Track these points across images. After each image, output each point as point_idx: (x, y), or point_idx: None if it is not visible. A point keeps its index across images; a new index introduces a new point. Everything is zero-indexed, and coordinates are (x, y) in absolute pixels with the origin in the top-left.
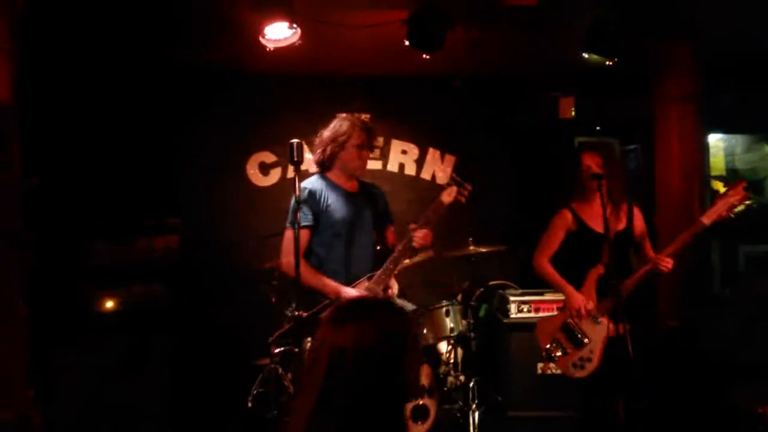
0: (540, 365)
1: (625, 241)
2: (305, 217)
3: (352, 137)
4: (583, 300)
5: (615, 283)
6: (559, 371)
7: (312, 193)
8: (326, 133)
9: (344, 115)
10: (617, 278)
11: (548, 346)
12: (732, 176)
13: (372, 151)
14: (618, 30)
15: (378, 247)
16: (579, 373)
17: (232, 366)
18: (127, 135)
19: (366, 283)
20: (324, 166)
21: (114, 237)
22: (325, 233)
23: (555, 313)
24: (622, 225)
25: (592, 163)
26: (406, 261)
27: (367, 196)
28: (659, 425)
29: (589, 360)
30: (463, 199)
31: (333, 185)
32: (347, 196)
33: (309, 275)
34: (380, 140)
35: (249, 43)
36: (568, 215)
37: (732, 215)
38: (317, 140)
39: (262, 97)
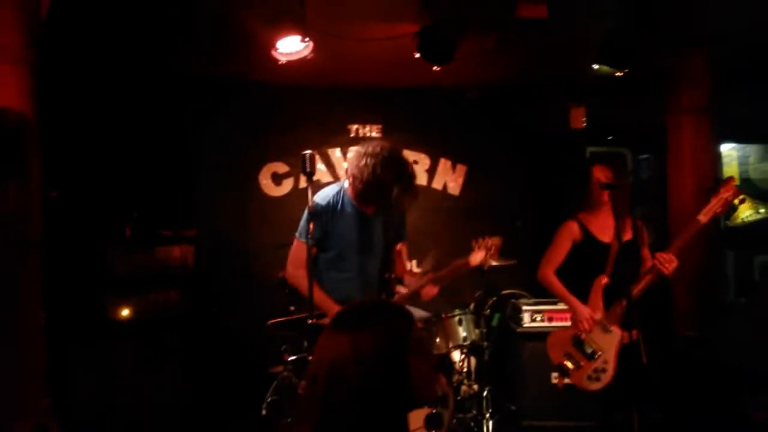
0: (554, 375)
1: (632, 252)
2: (311, 234)
3: (389, 186)
4: (588, 311)
5: (627, 290)
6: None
7: (324, 211)
8: (366, 170)
9: (372, 147)
10: (627, 286)
11: (561, 361)
12: (746, 186)
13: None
14: (629, 41)
15: (387, 274)
16: (595, 386)
17: (246, 374)
18: (144, 146)
19: None
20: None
21: (132, 247)
22: (331, 253)
23: (568, 323)
24: (628, 236)
25: (601, 175)
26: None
27: (381, 218)
28: None
29: (604, 371)
30: (487, 266)
31: (348, 204)
32: (360, 218)
33: (314, 290)
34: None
35: (262, 55)
36: (575, 226)
37: (725, 210)
38: (353, 162)
39: (275, 108)
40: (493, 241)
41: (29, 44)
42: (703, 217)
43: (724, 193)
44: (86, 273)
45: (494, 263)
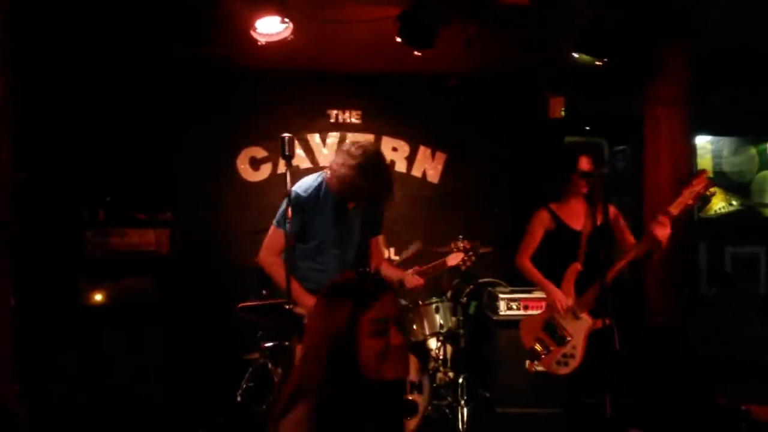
0: (527, 362)
1: (603, 237)
2: (290, 225)
3: (364, 189)
4: (563, 296)
5: (599, 277)
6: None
7: (304, 202)
8: (346, 169)
9: (356, 151)
10: (600, 272)
11: (532, 345)
12: (720, 179)
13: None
14: (610, 31)
15: (360, 270)
16: (563, 370)
17: (222, 360)
18: (119, 128)
19: None
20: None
21: (106, 230)
22: (308, 244)
23: (542, 311)
24: (599, 221)
25: (585, 164)
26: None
27: (361, 210)
28: (645, 422)
29: (572, 356)
30: (464, 267)
31: (328, 196)
32: (340, 211)
33: (285, 279)
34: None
35: (241, 37)
36: (546, 215)
37: (697, 203)
38: (338, 158)
39: (254, 91)
40: (473, 244)
41: (2, 23)
42: (674, 210)
43: (696, 186)
44: (59, 256)
45: (467, 266)
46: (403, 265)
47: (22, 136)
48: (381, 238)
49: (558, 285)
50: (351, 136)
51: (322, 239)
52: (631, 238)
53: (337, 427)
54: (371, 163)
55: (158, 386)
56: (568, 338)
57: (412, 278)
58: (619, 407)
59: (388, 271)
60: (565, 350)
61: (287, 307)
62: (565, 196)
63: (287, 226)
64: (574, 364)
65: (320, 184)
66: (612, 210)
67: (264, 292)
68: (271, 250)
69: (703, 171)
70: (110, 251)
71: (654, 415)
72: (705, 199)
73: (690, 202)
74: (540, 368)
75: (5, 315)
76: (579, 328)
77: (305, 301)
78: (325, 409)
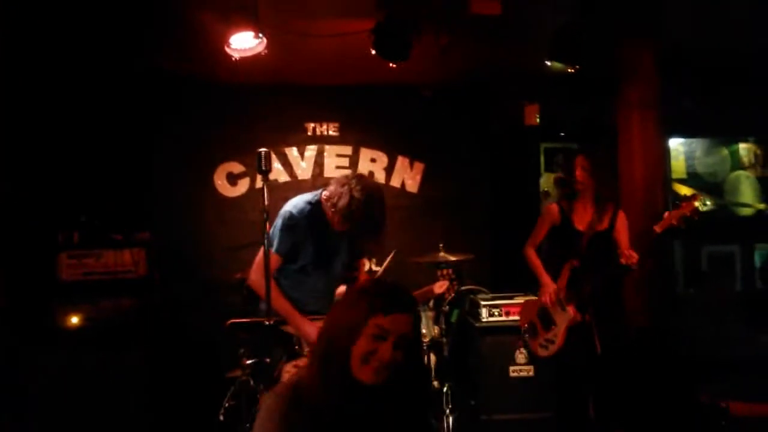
0: (512, 368)
1: (603, 241)
2: (280, 247)
3: (361, 223)
4: (552, 288)
5: (583, 275)
6: (531, 374)
7: (295, 225)
8: (344, 199)
9: (349, 194)
10: (588, 271)
11: (525, 326)
12: (693, 180)
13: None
14: (580, 38)
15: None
16: (544, 353)
17: (203, 378)
18: (94, 145)
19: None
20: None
21: (80, 252)
22: (296, 264)
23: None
24: (604, 226)
25: (579, 167)
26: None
27: (350, 233)
28: (628, 422)
29: (553, 342)
30: (449, 296)
31: (322, 222)
32: (331, 237)
33: (277, 299)
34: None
35: (216, 51)
36: (555, 210)
37: (682, 225)
38: (336, 188)
39: (230, 106)
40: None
41: None
42: (658, 228)
43: (685, 209)
44: (32, 279)
45: (450, 296)
46: (383, 274)
47: None
48: (365, 260)
49: (556, 277)
50: (329, 149)
51: (310, 261)
52: (621, 244)
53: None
54: (371, 199)
55: (139, 408)
56: (553, 326)
57: None
58: (604, 408)
59: None
60: (548, 336)
61: (267, 323)
62: (575, 197)
63: (280, 244)
64: (553, 348)
65: (314, 206)
66: (620, 217)
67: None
68: (262, 271)
69: (694, 196)
70: (86, 273)
71: (637, 415)
72: (689, 221)
73: (674, 222)
74: (528, 373)
75: None
76: (563, 319)
77: (296, 321)
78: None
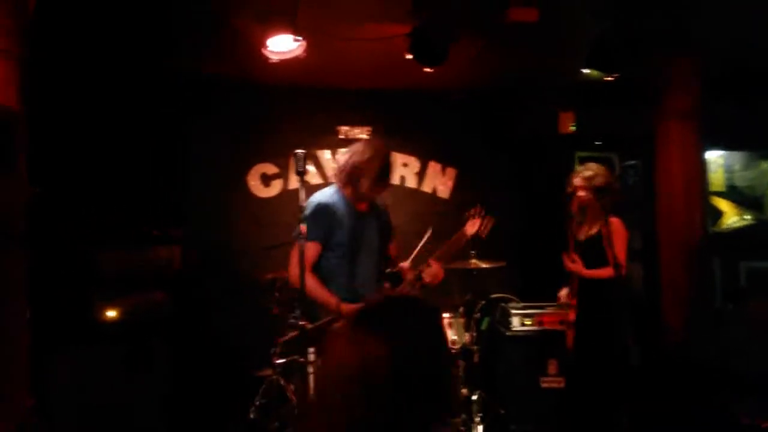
0: (543, 379)
1: (590, 248)
2: (315, 233)
3: (371, 171)
4: (562, 291)
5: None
6: (562, 385)
7: (324, 210)
8: (350, 157)
9: (369, 143)
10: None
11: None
12: (732, 193)
13: (386, 188)
14: (619, 46)
15: (387, 269)
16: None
17: (234, 377)
18: (131, 145)
19: None
20: (342, 183)
21: (119, 247)
22: (333, 251)
23: (557, 327)
24: (592, 232)
25: (578, 188)
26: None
27: (375, 216)
28: None
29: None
30: (484, 235)
31: (345, 203)
32: (357, 216)
33: (314, 288)
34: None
35: (253, 54)
36: (572, 222)
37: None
38: (340, 159)
39: (265, 108)
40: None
41: (17, 37)
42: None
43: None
44: (73, 273)
45: (486, 232)
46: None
47: (37, 153)
48: (394, 244)
49: None
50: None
51: (343, 245)
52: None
53: None
54: (372, 147)
55: (170, 402)
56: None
57: (428, 269)
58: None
59: (407, 274)
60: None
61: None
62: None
63: (301, 236)
64: (568, 343)
65: (334, 193)
66: (613, 225)
67: (292, 318)
68: (298, 264)
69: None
70: (123, 268)
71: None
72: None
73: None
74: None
75: (21, 328)
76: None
77: (338, 307)
78: None
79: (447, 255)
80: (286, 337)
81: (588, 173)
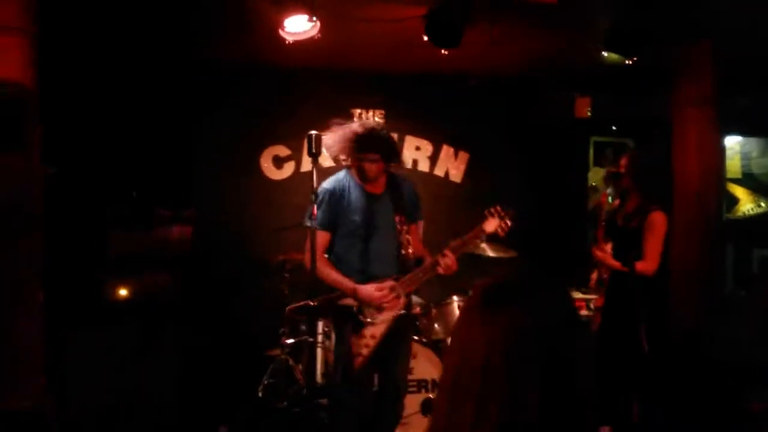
0: None
1: (628, 238)
2: (322, 220)
3: (345, 146)
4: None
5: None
6: None
7: (332, 195)
8: (340, 137)
9: (359, 121)
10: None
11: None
12: (748, 180)
13: (376, 161)
14: (638, 30)
15: (403, 251)
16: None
17: (243, 356)
18: (144, 125)
19: (390, 282)
20: (350, 166)
21: (130, 226)
22: (343, 234)
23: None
24: (633, 224)
25: (623, 167)
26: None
27: (392, 196)
28: (675, 429)
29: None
30: (502, 233)
31: (355, 186)
32: (368, 198)
33: (328, 273)
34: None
35: (266, 36)
36: (615, 204)
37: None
38: (334, 135)
39: (277, 90)
40: (507, 213)
41: (29, 15)
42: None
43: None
44: (84, 252)
45: (506, 229)
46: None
47: (49, 133)
48: (420, 225)
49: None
50: None
51: (355, 229)
52: (645, 248)
53: None
54: (368, 124)
55: (179, 381)
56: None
57: (443, 259)
58: (648, 413)
59: (426, 259)
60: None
61: (312, 303)
62: (627, 194)
63: (312, 220)
64: (594, 327)
65: (345, 176)
66: (650, 220)
67: (285, 293)
68: (315, 251)
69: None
70: (135, 247)
71: (684, 422)
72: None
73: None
74: None
75: (36, 309)
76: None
77: (350, 288)
78: None
79: (462, 248)
80: (293, 306)
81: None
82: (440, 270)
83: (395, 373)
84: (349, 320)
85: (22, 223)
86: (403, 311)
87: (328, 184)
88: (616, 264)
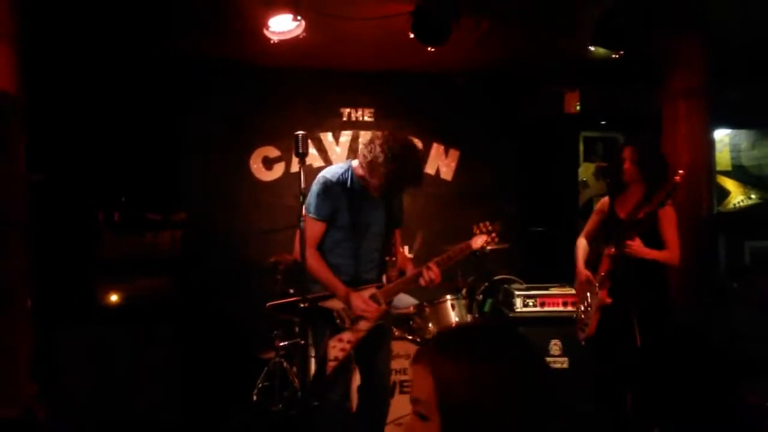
0: (546, 359)
1: (638, 227)
2: (322, 210)
3: (380, 173)
4: (584, 274)
5: (619, 263)
6: (565, 366)
7: (331, 189)
8: (369, 151)
9: (391, 142)
10: (624, 259)
11: (578, 306)
12: (738, 172)
13: (402, 191)
14: (625, 22)
15: (388, 257)
16: (581, 335)
17: (237, 359)
18: (132, 128)
19: (372, 290)
20: (360, 165)
21: (121, 231)
22: (337, 230)
23: (560, 308)
24: (641, 214)
25: (628, 159)
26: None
27: (386, 200)
28: (668, 420)
29: (587, 325)
30: (489, 248)
31: (356, 183)
32: (366, 199)
33: (320, 269)
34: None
35: (253, 35)
36: (606, 201)
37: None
38: (365, 140)
39: (266, 90)
40: (494, 227)
41: (13, 21)
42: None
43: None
44: (75, 258)
45: (492, 248)
46: (416, 260)
47: (36, 139)
48: (399, 232)
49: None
50: (364, 134)
51: (348, 226)
52: (667, 238)
53: None
54: (405, 147)
55: (174, 386)
56: (589, 308)
57: (427, 272)
58: (643, 404)
59: (406, 266)
60: (585, 319)
61: (301, 305)
62: (623, 186)
63: (320, 208)
64: (588, 331)
65: (347, 170)
66: (664, 210)
67: (290, 290)
68: (308, 241)
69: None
70: (126, 252)
71: (678, 413)
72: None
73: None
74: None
75: (23, 316)
76: (595, 303)
77: (339, 290)
78: None
79: (447, 263)
80: (274, 303)
81: (639, 144)
82: (422, 282)
83: (377, 365)
84: (327, 324)
85: (6, 231)
86: (381, 321)
87: (329, 174)
88: (653, 253)
